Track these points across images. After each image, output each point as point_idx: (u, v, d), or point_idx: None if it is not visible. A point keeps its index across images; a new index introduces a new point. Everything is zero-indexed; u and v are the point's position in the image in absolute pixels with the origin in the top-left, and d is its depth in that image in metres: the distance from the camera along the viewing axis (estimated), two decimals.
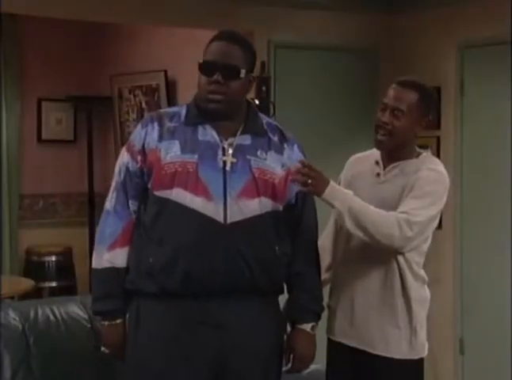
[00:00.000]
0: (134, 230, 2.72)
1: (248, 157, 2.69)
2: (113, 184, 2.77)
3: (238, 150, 2.69)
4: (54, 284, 6.67)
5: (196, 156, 2.63)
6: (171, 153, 2.64)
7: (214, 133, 2.68)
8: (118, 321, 2.75)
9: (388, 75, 5.21)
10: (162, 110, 2.86)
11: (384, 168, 3.05)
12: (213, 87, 2.64)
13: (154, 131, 2.68)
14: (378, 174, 3.06)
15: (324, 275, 3.19)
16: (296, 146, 2.83)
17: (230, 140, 2.69)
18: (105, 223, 2.76)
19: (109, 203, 2.77)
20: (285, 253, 2.77)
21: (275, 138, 2.78)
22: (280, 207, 2.76)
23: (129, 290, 2.73)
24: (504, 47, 5.05)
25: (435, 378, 5.28)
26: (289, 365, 2.84)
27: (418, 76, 3.17)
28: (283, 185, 2.74)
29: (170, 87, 6.19)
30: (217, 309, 2.63)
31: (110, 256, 2.72)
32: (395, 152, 3.03)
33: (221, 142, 2.68)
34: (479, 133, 5.35)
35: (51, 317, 3.30)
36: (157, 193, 2.65)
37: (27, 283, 5.61)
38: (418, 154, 3.07)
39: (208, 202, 2.60)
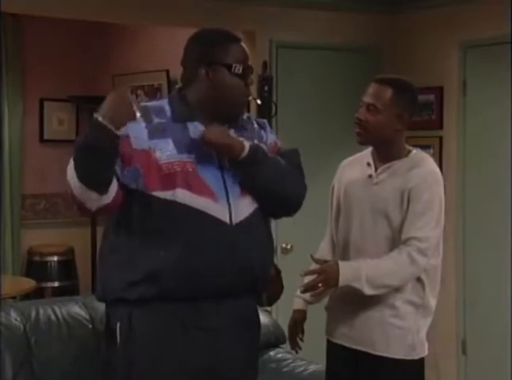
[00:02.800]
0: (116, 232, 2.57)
1: None
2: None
3: None
4: (56, 284, 6.68)
5: (193, 156, 2.55)
6: (167, 152, 2.52)
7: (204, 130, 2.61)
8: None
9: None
10: (143, 103, 2.65)
11: (376, 169, 3.05)
12: (248, 91, 2.66)
13: (141, 128, 2.54)
14: (370, 176, 3.06)
15: None
16: (268, 128, 2.82)
17: None
18: None
19: None
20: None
21: (254, 127, 2.75)
22: None
23: (119, 299, 2.55)
24: (507, 47, 5.04)
25: (438, 378, 5.27)
26: None
27: (420, 76, 3.17)
28: None
29: (172, 87, 6.16)
30: (212, 311, 2.57)
31: None
32: (383, 152, 3.04)
33: None
34: (481, 132, 5.34)
35: (53, 317, 3.29)
36: (156, 194, 2.51)
37: (29, 283, 5.62)
38: (408, 152, 3.06)
39: (214, 203, 2.54)
